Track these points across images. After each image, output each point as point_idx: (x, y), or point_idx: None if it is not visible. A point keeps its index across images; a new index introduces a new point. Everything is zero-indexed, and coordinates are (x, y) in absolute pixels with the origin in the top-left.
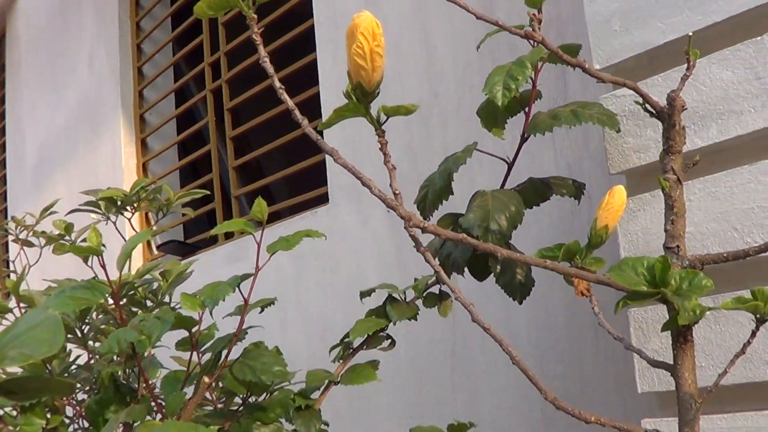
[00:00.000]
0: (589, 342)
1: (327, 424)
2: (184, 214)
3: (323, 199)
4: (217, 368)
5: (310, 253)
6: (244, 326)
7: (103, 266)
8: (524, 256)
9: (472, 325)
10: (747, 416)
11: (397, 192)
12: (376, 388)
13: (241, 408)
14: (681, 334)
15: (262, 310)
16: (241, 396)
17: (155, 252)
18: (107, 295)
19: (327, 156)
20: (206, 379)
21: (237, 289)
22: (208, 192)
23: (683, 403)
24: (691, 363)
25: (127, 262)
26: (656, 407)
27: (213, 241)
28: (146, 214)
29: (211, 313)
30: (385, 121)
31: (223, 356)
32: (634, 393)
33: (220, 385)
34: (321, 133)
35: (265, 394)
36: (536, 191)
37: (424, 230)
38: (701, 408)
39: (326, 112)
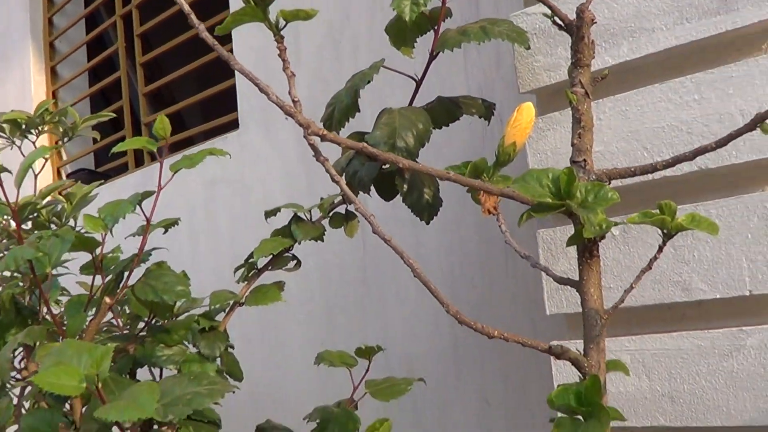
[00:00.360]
0: (500, 267)
1: (232, 347)
2: (95, 140)
3: (234, 125)
4: (119, 289)
5: (220, 179)
6: (148, 248)
7: (1, 185)
8: (426, 167)
9: (383, 252)
10: (655, 338)
11: (296, 99)
12: (287, 315)
13: (144, 331)
14: (587, 249)
15: (166, 231)
16: (145, 319)
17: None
18: (7, 216)
19: (237, 81)
20: (107, 300)
21: (141, 210)
22: (115, 114)
23: (589, 320)
24: (596, 279)
25: (33, 187)
26: (565, 329)
27: (123, 170)
28: (56, 143)
29: (111, 232)
30: (283, 27)
31: (125, 277)
32: (543, 316)
33: (127, 310)
34: (232, 52)
35: (169, 316)
36: (446, 110)
37: (323, 138)
38: (607, 324)
39: (236, 37)
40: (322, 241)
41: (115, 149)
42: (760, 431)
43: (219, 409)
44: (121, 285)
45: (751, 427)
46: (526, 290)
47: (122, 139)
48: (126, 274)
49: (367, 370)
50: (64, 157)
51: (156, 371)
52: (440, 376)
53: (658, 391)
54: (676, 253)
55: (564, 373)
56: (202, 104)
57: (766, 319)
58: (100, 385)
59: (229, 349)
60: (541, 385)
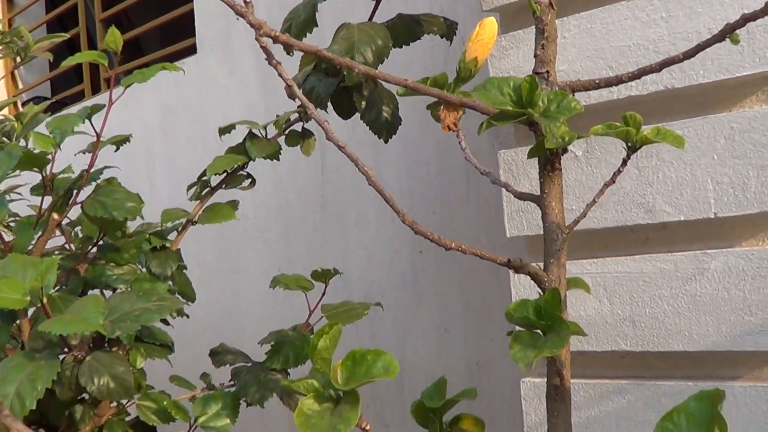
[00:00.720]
0: (461, 191)
1: (185, 267)
2: (51, 68)
3: (192, 51)
4: (68, 206)
5: (178, 105)
6: (101, 168)
7: None
8: (383, 74)
9: (342, 176)
10: (617, 261)
11: (247, 0)
12: (245, 242)
13: (95, 250)
14: (548, 162)
15: (118, 149)
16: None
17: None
18: None
19: (195, 5)
20: (55, 217)
21: (92, 126)
22: (68, 35)
23: (549, 234)
24: (558, 192)
25: None
26: (525, 253)
27: (80, 97)
28: (12, 74)
29: (59, 146)
30: None
31: (74, 195)
32: (504, 241)
33: (79, 234)
34: None
35: (120, 235)
36: (406, 28)
37: (275, 40)
38: (568, 239)
39: None
40: (278, 159)
41: (64, 63)
42: (722, 356)
43: (175, 335)
44: (70, 202)
45: (713, 352)
46: (487, 215)
47: (79, 66)
48: (75, 192)
49: (323, 294)
50: (20, 86)
51: (108, 294)
52: (400, 303)
53: (620, 315)
54: (640, 174)
55: (523, 295)
56: (161, 30)
57: (730, 243)
58: (45, 299)
59: (183, 271)
60: (502, 313)
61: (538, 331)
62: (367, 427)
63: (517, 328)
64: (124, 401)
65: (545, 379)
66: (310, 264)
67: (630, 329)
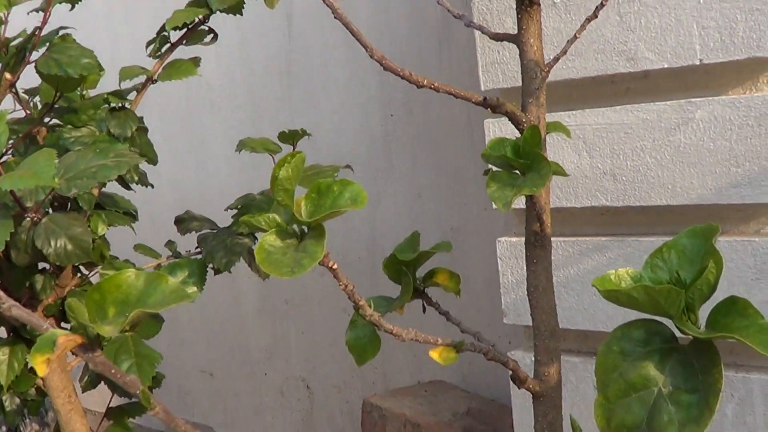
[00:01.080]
0: (433, 53)
1: (147, 130)
2: None
3: None
4: (21, 66)
5: None
6: (56, 29)
7: None
8: None
9: (310, 40)
10: (597, 112)
11: None
12: (211, 112)
13: (51, 113)
14: None
15: (73, 7)
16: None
17: None
18: None
19: None
20: (8, 76)
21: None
22: None
23: (528, 72)
24: (537, 28)
25: None
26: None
27: None
28: None
29: (11, 5)
30: None
31: (27, 54)
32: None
33: (38, 105)
34: None
35: (77, 96)
36: None
37: None
38: (547, 78)
39: None
40: (241, 14)
41: None
42: (707, 210)
43: (140, 206)
44: (23, 62)
45: (697, 206)
46: (460, 79)
47: None
48: (28, 52)
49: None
50: None
51: None
52: (371, 170)
53: (600, 168)
54: (621, 20)
55: None
56: None
57: (716, 91)
58: None
59: (144, 133)
60: (476, 177)
61: (517, 171)
62: (334, 266)
63: (494, 168)
64: (87, 271)
65: (521, 239)
66: (277, 132)
67: (610, 183)
